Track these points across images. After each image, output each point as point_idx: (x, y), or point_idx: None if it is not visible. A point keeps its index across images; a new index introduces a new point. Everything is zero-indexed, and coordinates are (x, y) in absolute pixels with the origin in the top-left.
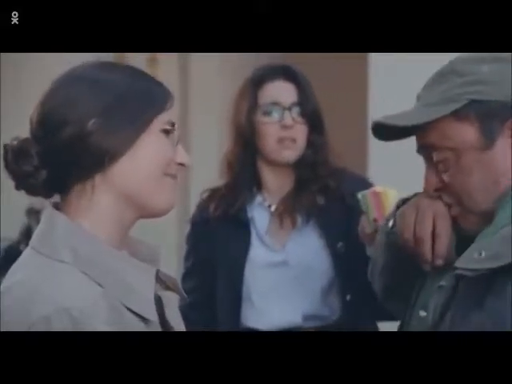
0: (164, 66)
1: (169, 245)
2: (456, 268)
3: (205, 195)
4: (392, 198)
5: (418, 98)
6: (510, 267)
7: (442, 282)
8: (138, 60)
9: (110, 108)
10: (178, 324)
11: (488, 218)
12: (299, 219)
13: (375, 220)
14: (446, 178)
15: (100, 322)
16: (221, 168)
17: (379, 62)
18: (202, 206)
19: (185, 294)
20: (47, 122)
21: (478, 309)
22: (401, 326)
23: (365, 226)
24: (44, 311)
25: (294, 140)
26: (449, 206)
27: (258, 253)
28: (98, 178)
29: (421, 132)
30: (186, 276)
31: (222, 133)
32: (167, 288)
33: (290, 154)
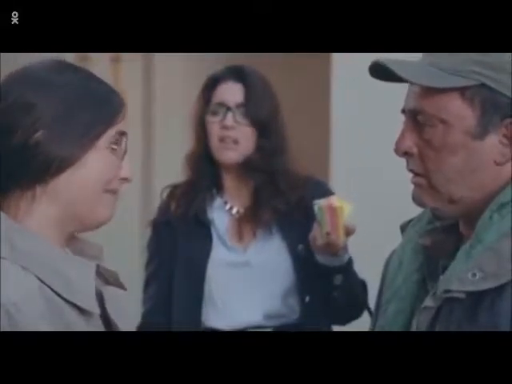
0: (127, 66)
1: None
2: (449, 291)
3: (165, 194)
4: (348, 212)
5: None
6: (502, 285)
7: (428, 303)
8: (101, 59)
9: (60, 118)
10: (119, 318)
11: (450, 201)
12: (261, 223)
13: (328, 233)
14: (425, 146)
15: (37, 317)
16: (183, 166)
17: (342, 62)
18: (164, 207)
19: (125, 288)
20: None
21: (468, 327)
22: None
23: (316, 236)
24: None
25: (235, 141)
26: (414, 173)
27: (219, 254)
28: (38, 189)
29: (416, 91)
30: (148, 282)
31: (186, 132)
32: (108, 283)
33: (231, 154)
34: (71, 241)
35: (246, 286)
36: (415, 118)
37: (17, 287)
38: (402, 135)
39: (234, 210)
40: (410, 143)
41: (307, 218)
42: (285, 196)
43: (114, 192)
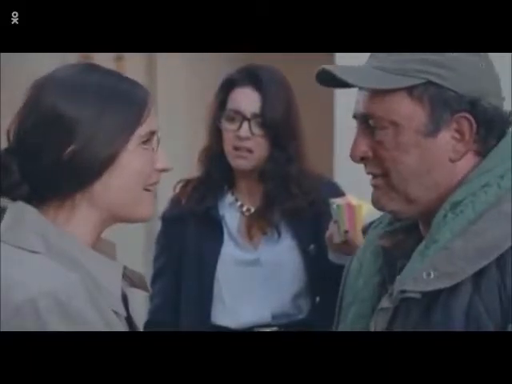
0: (131, 64)
1: (136, 244)
2: (404, 291)
3: (178, 187)
4: (365, 212)
5: (372, 56)
6: (456, 285)
7: (385, 304)
8: (103, 58)
9: (91, 125)
10: (141, 320)
11: (408, 202)
12: (271, 223)
13: (346, 231)
14: (379, 148)
15: (83, 304)
16: (197, 161)
17: (345, 62)
18: (175, 200)
19: (150, 290)
20: (28, 141)
21: (424, 326)
22: None
23: (334, 234)
24: (27, 295)
25: (249, 150)
26: (373, 175)
27: (230, 251)
28: (77, 196)
29: (366, 94)
30: (156, 277)
31: (189, 131)
32: (133, 285)
33: (243, 163)
34: None
35: (255, 285)
36: (367, 123)
37: (60, 278)
38: (356, 142)
39: (245, 208)
40: (364, 148)
41: (318, 218)
42: (297, 199)
43: (154, 185)
